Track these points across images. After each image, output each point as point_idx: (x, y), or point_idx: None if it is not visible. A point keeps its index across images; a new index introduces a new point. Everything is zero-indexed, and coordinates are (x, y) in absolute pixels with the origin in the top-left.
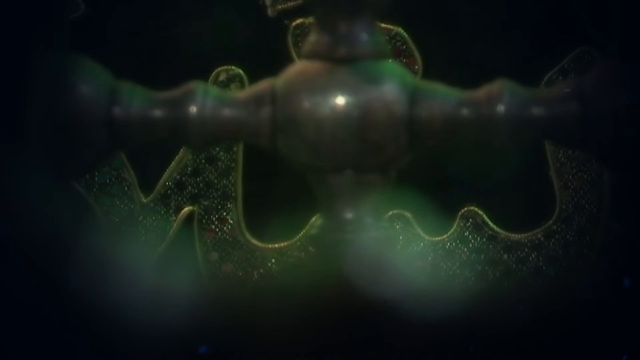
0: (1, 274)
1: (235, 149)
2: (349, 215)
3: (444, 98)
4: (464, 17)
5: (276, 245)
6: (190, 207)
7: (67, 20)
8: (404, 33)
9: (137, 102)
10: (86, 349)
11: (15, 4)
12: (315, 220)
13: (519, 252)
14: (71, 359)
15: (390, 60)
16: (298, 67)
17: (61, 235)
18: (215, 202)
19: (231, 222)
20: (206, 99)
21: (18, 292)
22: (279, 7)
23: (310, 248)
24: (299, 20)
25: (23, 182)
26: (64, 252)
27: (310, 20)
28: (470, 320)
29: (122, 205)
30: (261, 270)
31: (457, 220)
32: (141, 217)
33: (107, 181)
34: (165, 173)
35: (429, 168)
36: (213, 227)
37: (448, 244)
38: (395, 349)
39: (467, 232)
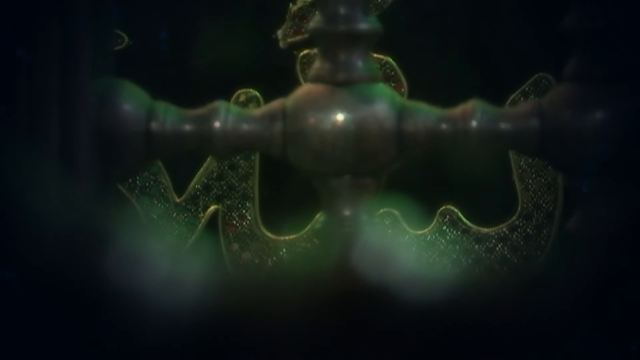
0: (53, 263)
1: (253, 157)
2: (347, 212)
3: (426, 115)
4: (442, 49)
5: (286, 238)
6: (216, 206)
7: (113, 51)
8: (393, 62)
9: (171, 118)
10: (120, 325)
11: (73, 40)
12: (319, 217)
13: (487, 243)
14: (108, 337)
15: (381, 84)
16: (304, 89)
17: (106, 230)
18: (236, 202)
19: (249, 218)
20: (228, 116)
21: (66, 279)
22: (289, 40)
23: (315, 240)
24: (305, 51)
25: (74, 185)
26: (108, 244)
27: (314, 50)
28: (448, 299)
29: (159, 204)
30: (274, 258)
31: (436, 217)
32: (175, 214)
33: (147, 184)
34: (195, 177)
35: (413, 173)
36: (234, 222)
37: (429, 236)
38: (385, 320)
39: (445, 227)
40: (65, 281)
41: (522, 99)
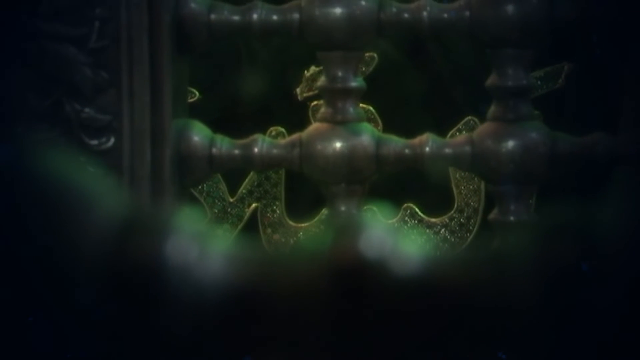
0: (144, 248)
1: (280, 172)
2: (342, 208)
3: (395, 144)
4: (405, 101)
5: (303, 225)
6: (256, 204)
7: (187, 101)
8: (373, 109)
9: (226, 146)
10: (186, 285)
11: (160, 93)
12: (324, 211)
13: (435, 229)
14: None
15: (365, 123)
16: (314, 126)
17: (182, 221)
18: (270, 201)
19: (278, 212)
20: (264, 144)
21: (138, 267)
22: (305, 95)
23: (321, 226)
24: (315, 102)
25: (161, 192)
26: (184, 230)
27: (321, 101)
28: (412, 263)
29: (218, 203)
30: (295, 239)
31: (401, 211)
32: (229, 209)
33: (210, 189)
34: (243, 185)
35: (387, 183)
36: (268, 215)
37: (396, 224)
38: (376, 282)
39: (407, 218)
40: (152, 260)
41: (457, 133)
